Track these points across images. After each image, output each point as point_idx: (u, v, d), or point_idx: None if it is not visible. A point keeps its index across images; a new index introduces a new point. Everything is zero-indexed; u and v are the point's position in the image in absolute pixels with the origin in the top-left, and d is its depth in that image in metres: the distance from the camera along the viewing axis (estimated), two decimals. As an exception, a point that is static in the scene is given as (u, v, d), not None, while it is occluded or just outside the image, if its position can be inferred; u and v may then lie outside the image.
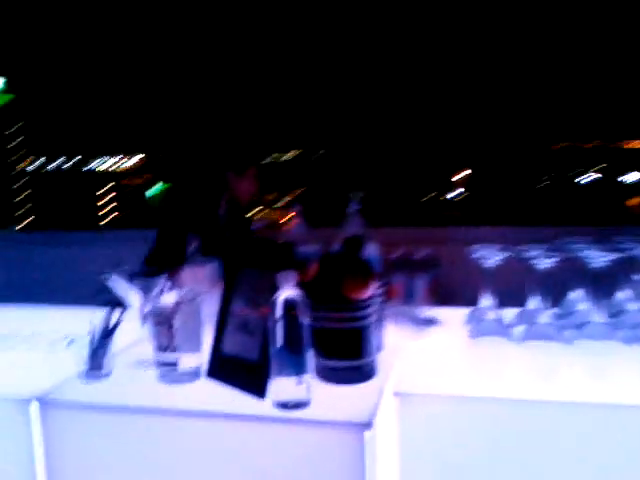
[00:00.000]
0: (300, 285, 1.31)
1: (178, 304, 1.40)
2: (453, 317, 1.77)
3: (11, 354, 1.68)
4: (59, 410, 1.34)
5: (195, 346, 1.43)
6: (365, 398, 1.27)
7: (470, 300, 1.71)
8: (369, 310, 1.38)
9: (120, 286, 1.53)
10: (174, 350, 1.40)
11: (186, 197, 2.77)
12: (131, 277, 1.56)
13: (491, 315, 1.61)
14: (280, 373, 1.23)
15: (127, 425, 1.31)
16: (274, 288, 1.25)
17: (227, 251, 1.62)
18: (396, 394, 1.34)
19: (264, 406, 1.25)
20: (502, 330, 1.61)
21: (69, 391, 1.39)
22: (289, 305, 1.22)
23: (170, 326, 1.39)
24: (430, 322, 1.76)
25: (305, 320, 1.24)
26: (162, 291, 1.47)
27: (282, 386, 1.23)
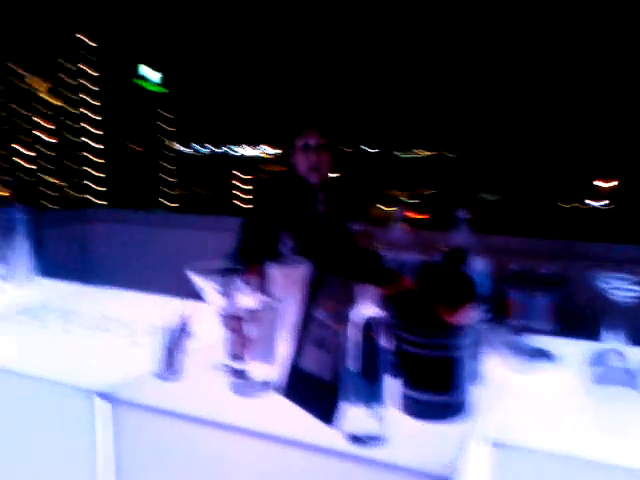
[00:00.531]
0: (386, 300, 1.14)
1: (255, 311, 1.29)
2: (573, 352, 1.49)
3: (93, 339, 1.66)
4: (124, 407, 1.28)
5: (269, 356, 1.31)
6: (451, 441, 1.08)
7: (595, 333, 1.44)
8: (466, 337, 1.18)
9: (200, 281, 1.44)
10: (246, 359, 1.28)
11: (282, 187, 2.54)
12: (214, 272, 1.47)
13: (620, 360, 1.33)
14: (353, 400, 1.07)
15: (190, 434, 1.22)
16: (353, 302, 1.09)
17: (318, 253, 1.47)
18: (493, 443, 1.12)
19: (333, 436, 1.09)
20: (633, 381, 1.32)
21: (138, 389, 1.33)
22: (368, 324, 1.06)
23: (244, 333, 1.28)
24: (544, 355, 1.50)
25: (386, 343, 1.07)
26: (240, 292, 1.35)
27: (355, 415, 1.07)
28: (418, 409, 1.17)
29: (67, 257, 3.60)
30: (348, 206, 2.54)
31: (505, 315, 1.59)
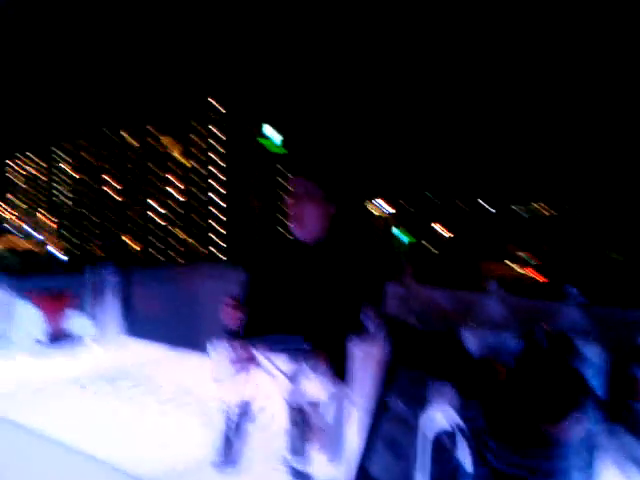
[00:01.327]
0: (470, 401, 0.94)
1: (320, 402, 1.13)
2: None
3: (162, 415, 1.56)
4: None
5: (335, 453, 1.13)
6: None
7: None
8: (576, 455, 0.94)
9: (265, 361, 1.31)
10: (308, 456, 1.12)
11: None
12: (283, 350, 1.34)
13: None
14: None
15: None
16: (426, 402, 0.91)
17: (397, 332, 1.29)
18: None
19: None
20: None
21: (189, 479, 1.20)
22: (441, 433, 0.87)
23: (307, 427, 1.12)
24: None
25: (466, 457, 0.87)
26: (306, 378, 1.20)
27: None
28: None
29: (167, 315, 3.63)
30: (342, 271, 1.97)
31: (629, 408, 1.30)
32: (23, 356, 2.01)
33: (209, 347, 1.38)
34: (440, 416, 0.88)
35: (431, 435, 0.87)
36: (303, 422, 1.12)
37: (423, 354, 1.08)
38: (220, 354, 1.28)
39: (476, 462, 0.94)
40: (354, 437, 1.14)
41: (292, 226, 2.04)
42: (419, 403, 0.94)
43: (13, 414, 1.50)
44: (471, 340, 1.29)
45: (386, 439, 1.06)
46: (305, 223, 2.02)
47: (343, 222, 2.05)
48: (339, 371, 1.25)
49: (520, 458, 0.92)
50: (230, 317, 1.94)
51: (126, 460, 1.28)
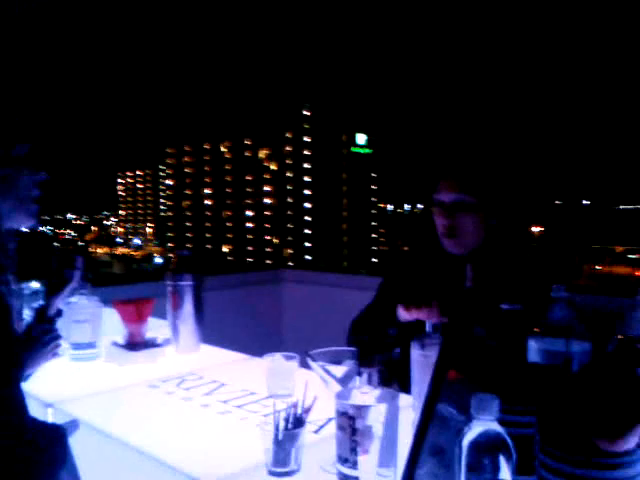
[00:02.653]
0: (522, 407, 0.89)
1: (369, 408, 1.10)
2: None
3: (225, 416, 1.59)
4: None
5: (386, 463, 1.11)
6: None
7: None
8: (630, 465, 0.86)
9: (319, 369, 1.30)
10: (356, 465, 1.10)
11: (419, 256, 2.03)
12: (338, 358, 1.33)
13: None
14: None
15: None
16: (475, 410, 0.86)
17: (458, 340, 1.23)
18: None
19: None
20: None
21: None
22: (488, 442, 0.82)
23: (354, 433, 1.10)
24: None
25: (513, 466, 0.82)
26: (356, 385, 1.19)
27: None
28: None
29: (245, 321, 3.70)
30: (504, 283, 1.81)
31: None
32: (104, 361, 2.12)
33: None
34: (489, 425, 0.84)
35: (478, 444, 0.83)
36: (353, 427, 1.11)
37: (475, 360, 1.03)
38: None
39: (523, 472, 0.89)
40: (405, 443, 1.11)
41: (445, 239, 1.91)
42: (468, 411, 0.90)
43: (92, 417, 1.59)
44: (535, 347, 1.23)
45: (431, 445, 1.02)
46: (463, 236, 1.89)
47: (500, 233, 1.92)
48: (390, 374, 1.23)
49: (572, 467, 0.86)
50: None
51: (192, 462, 1.32)
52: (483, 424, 0.84)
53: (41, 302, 1.84)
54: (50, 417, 1.66)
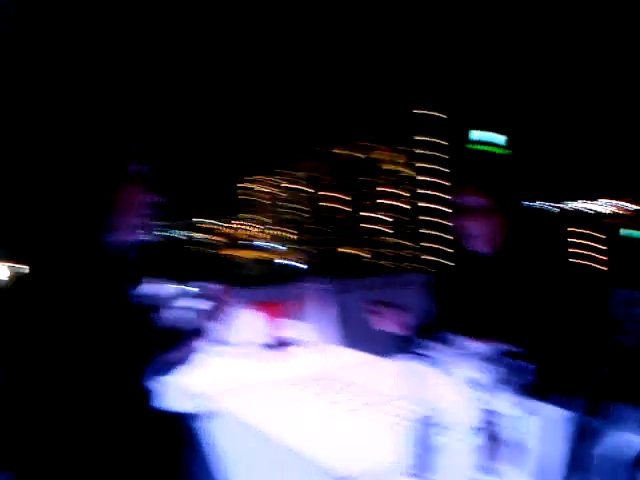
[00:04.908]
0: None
1: (511, 416, 1.06)
2: None
3: (356, 416, 1.60)
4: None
5: (525, 469, 1.05)
6: None
7: None
8: None
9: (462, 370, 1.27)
10: (498, 471, 1.06)
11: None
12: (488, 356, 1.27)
13: None
14: None
15: None
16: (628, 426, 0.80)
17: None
18: None
19: None
20: None
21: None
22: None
23: (497, 440, 1.06)
24: None
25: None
26: (499, 388, 1.14)
27: None
28: None
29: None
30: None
31: None
32: (246, 358, 2.22)
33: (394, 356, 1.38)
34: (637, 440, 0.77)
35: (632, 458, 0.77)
36: (494, 435, 1.07)
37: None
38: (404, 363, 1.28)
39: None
40: (546, 453, 1.05)
41: (470, 240, 1.98)
42: (621, 427, 0.83)
43: (234, 408, 1.68)
44: None
45: (590, 461, 0.96)
46: (485, 236, 1.97)
47: (522, 231, 1.98)
48: (535, 384, 1.17)
49: None
50: (393, 323, 1.97)
51: (325, 456, 1.36)
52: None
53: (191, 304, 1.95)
54: (190, 406, 1.78)
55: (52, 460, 1.22)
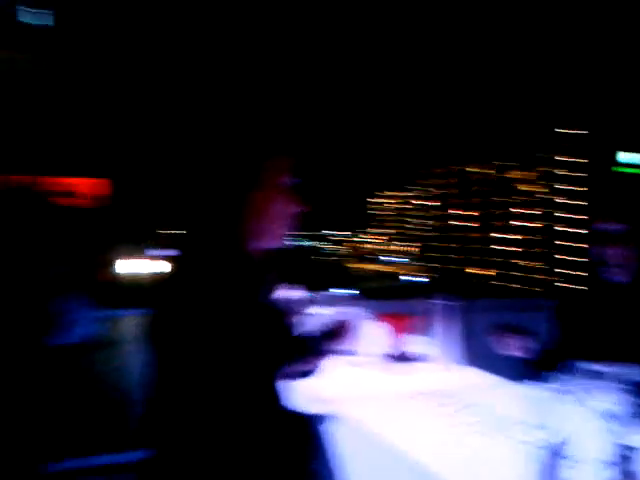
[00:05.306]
0: None
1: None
2: None
3: (480, 439, 1.58)
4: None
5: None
6: None
7: None
8: None
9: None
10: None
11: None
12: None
13: None
14: None
15: None
16: None
17: None
18: None
19: None
20: None
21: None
22: None
23: (628, 473, 1.02)
24: None
25: None
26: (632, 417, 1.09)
27: None
28: None
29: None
30: None
31: None
32: (370, 369, 2.27)
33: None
34: None
35: None
36: (628, 472, 1.03)
37: None
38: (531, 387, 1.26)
39: None
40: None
41: (608, 268, 1.92)
42: None
43: (357, 415, 1.74)
44: None
45: None
46: (624, 265, 1.91)
47: None
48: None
49: None
50: (519, 347, 1.94)
51: (443, 474, 1.36)
52: None
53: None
54: (316, 410, 1.85)
55: (192, 448, 1.31)
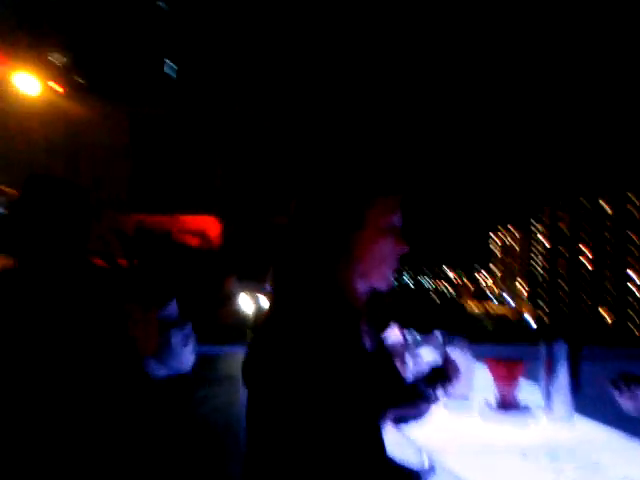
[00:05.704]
0: None
1: None
2: None
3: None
4: None
5: None
6: None
7: None
8: None
9: None
10: None
11: None
12: None
13: None
14: None
15: None
16: None
17: None
18: None
19: None
20: None
21: None
22: None
23: None
24: None
25: None
26: None
27: None
28: None
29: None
30: None
31: None
32: (477, 417, 2.19)
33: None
34: None
35: None
36: None
37: None
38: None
39: None
40: None
41: None
42: None
43: (457, 469, 1.67)
44: None
45: None
46: None
47: None
48: None
49: None
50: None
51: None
52: None
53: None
54: (417, 460, 1.80)
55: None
